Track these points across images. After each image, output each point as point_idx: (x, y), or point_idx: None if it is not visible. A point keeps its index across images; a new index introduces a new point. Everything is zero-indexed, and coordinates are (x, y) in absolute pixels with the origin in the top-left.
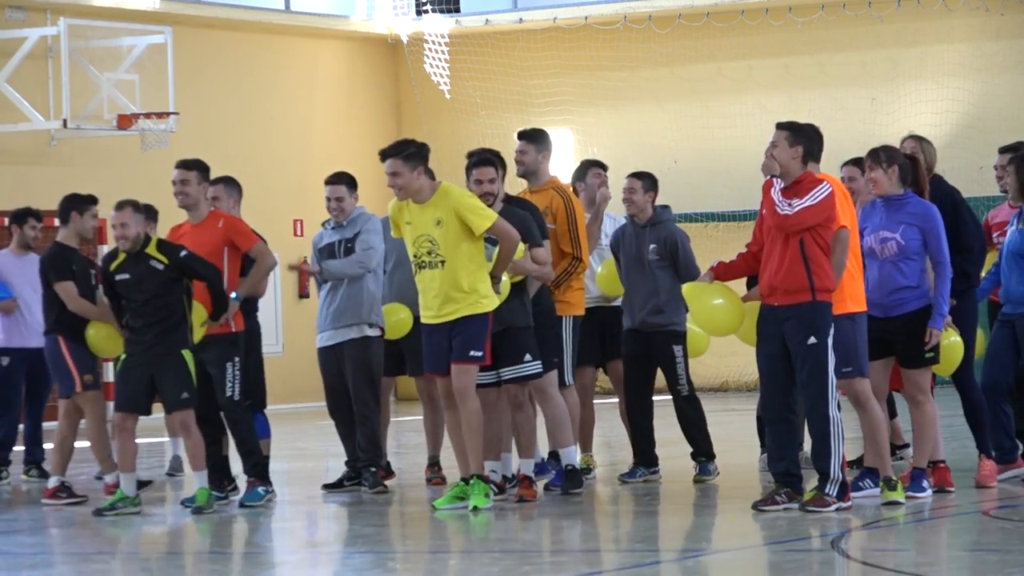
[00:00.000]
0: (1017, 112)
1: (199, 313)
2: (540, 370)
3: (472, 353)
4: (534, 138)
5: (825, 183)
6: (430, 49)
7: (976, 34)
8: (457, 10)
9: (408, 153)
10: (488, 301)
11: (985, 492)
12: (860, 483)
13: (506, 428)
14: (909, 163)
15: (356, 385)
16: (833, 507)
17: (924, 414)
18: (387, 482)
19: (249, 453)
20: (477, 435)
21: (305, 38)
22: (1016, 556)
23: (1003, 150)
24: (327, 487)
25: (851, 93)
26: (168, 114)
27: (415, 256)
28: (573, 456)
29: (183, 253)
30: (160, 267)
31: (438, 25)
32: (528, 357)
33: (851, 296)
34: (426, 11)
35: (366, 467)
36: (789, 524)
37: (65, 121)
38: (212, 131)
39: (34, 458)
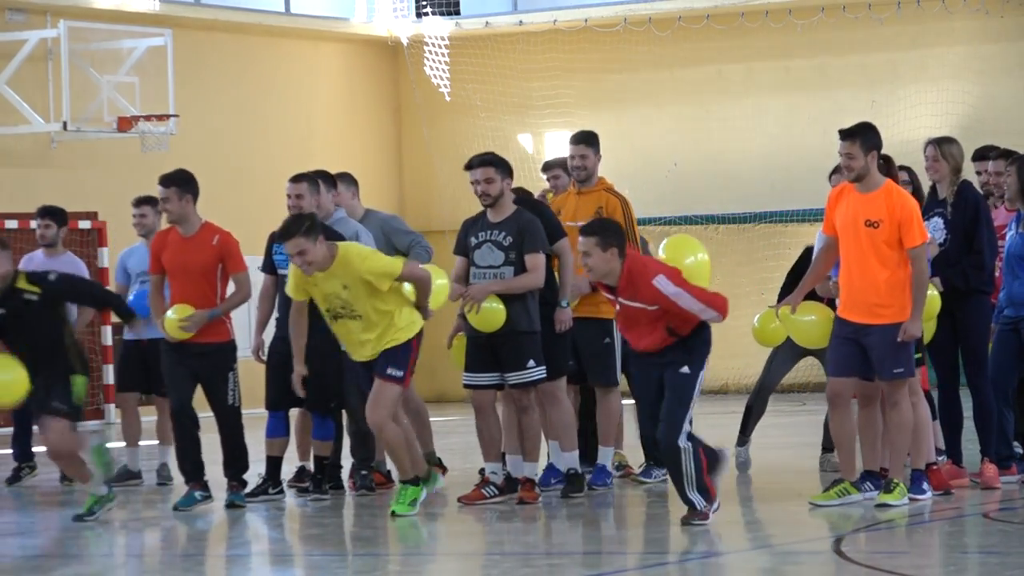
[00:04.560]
0: (1017, 115)
1: (181, 311)
2: (544, 375)
3: (390, 371)
4: (592, 141)
5: (659, 277)
6: (430, 51)
7: (976, 37)
8: (457, 12)
9: (307, 228)
10: (404, 332)
11: (986, 494)
12: (860, 486)
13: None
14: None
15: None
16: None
17: (917, 415)
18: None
19: (238, 459)
20: (398, 451)
21: (305, 40)
22: (1016, 558)
23: (996, 156)
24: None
25: (851, 96)
26: (168, 116)
27: (328, 310)
28: (575, 460)
29: (52, 277)
30: (34, 298)
31: (438, 27)
32: (531, 363)
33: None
34: (426, 13)
35: (358, 469)
36: (789, 526)
37: (65, 123)
38: (212, 133)
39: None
